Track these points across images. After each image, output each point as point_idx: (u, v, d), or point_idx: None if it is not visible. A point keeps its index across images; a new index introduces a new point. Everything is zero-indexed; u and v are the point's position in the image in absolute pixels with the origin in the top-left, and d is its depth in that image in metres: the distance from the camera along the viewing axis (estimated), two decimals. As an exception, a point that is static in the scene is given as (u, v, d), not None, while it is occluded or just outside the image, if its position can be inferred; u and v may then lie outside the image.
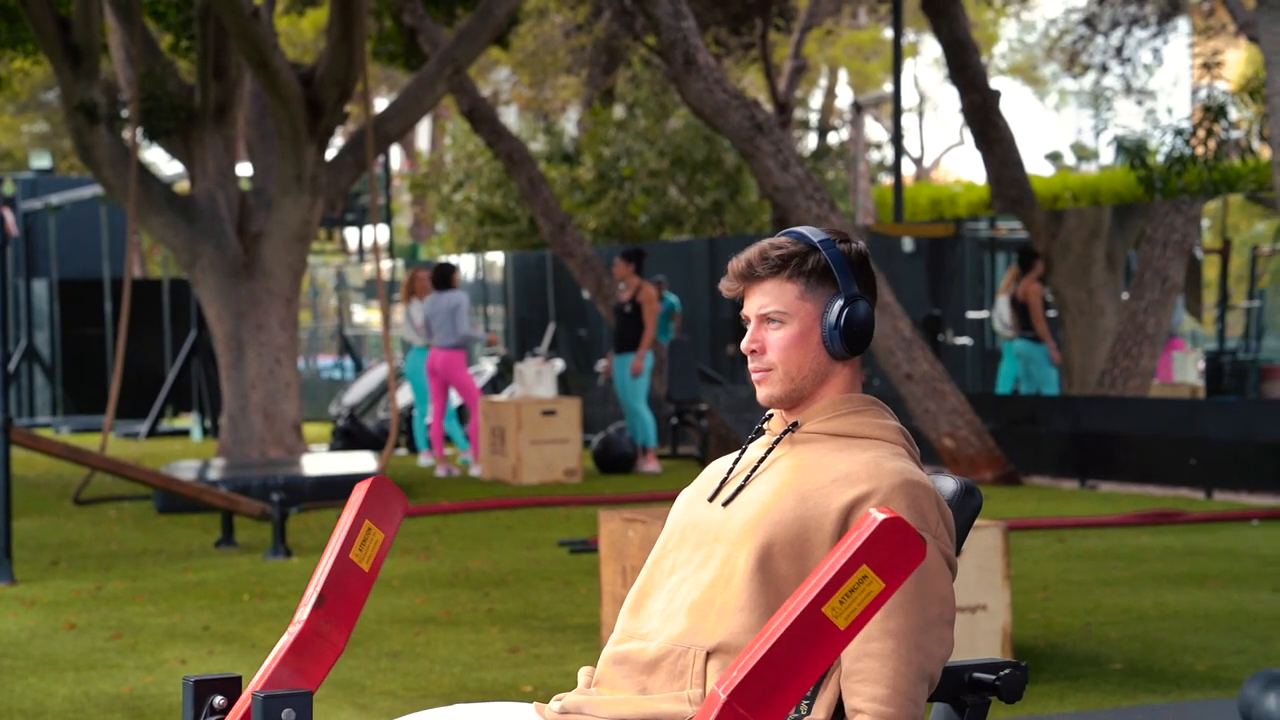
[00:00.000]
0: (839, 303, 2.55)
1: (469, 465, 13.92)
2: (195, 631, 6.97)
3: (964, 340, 14.04)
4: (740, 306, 2.65)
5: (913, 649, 2.40)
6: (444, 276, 13.58)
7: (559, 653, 6.43)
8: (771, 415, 2.67)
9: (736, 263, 2.61)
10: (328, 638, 2.59)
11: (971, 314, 14.03)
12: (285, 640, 2.58)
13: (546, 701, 2.67)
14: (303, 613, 2.58)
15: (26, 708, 5.65)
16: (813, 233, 2.60)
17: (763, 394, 2.61)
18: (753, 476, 2.58)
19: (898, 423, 2.63)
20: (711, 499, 2.61)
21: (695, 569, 2.55)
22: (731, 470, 2.64)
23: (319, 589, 2.58)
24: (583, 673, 2.66)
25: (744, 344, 2.61)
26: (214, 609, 7.51)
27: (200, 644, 6.70)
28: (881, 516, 2.08)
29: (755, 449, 2.65)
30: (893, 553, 2.09)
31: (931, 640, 2.42)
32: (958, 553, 2.55)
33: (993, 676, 2.56)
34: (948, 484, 2.66)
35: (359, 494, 2.63)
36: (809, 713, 2.45)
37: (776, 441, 2.61)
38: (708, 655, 2.46)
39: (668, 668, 2.49)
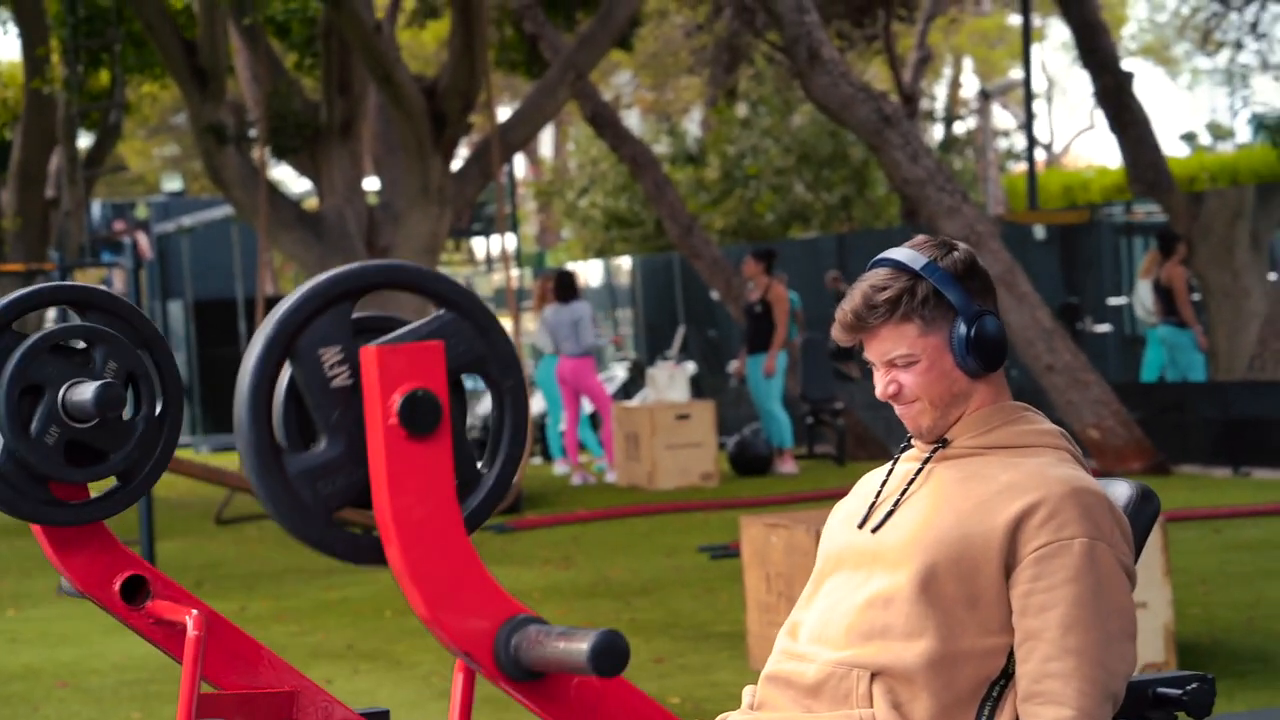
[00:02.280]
0: (962, 326, 2.43)
1: (604, 471, 13.87)
2: (339, 650, 6.96)
3: (1104, 328, 13.74)
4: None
5: (1095, 666, 2.29)
6: (567, 286, 13.55)
7: (704, 662, 6.32)
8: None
9: (843, 315, 2.48)
10: None
11: (1111, 300, 13.73)
12: None
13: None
14: None
15: (175, 733, 5.64)
16: (911, 259, 2.45)
17: (914, 430, 2.50)
18: (903, 499, 2.48)
19: (1056, 426, 2.50)
20: (862, 525, 2.51)
21: (852, 591, 2.46)
22: (880, 492, 2.53)
23: None
24: (746, 692, 2.57)
25: (879, 392, 2.50)
26: (357, 626, 7.49)
27: (345, 662, 6.68)
28: None
29: (905, 464, 2.54)
30: None
31: (1114, 657, 2.31)
32: (1135, 561, 2.42)
33: (1179, 691, 2.45)
34: (1122, 490, 2.54)
35: None
36: (986, 739, 2.34)
37: (927, 459, 2.50)
38: (872, 677, 2.37)
39: (830, 691, 2.41)
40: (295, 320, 2.00)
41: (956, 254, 2.47)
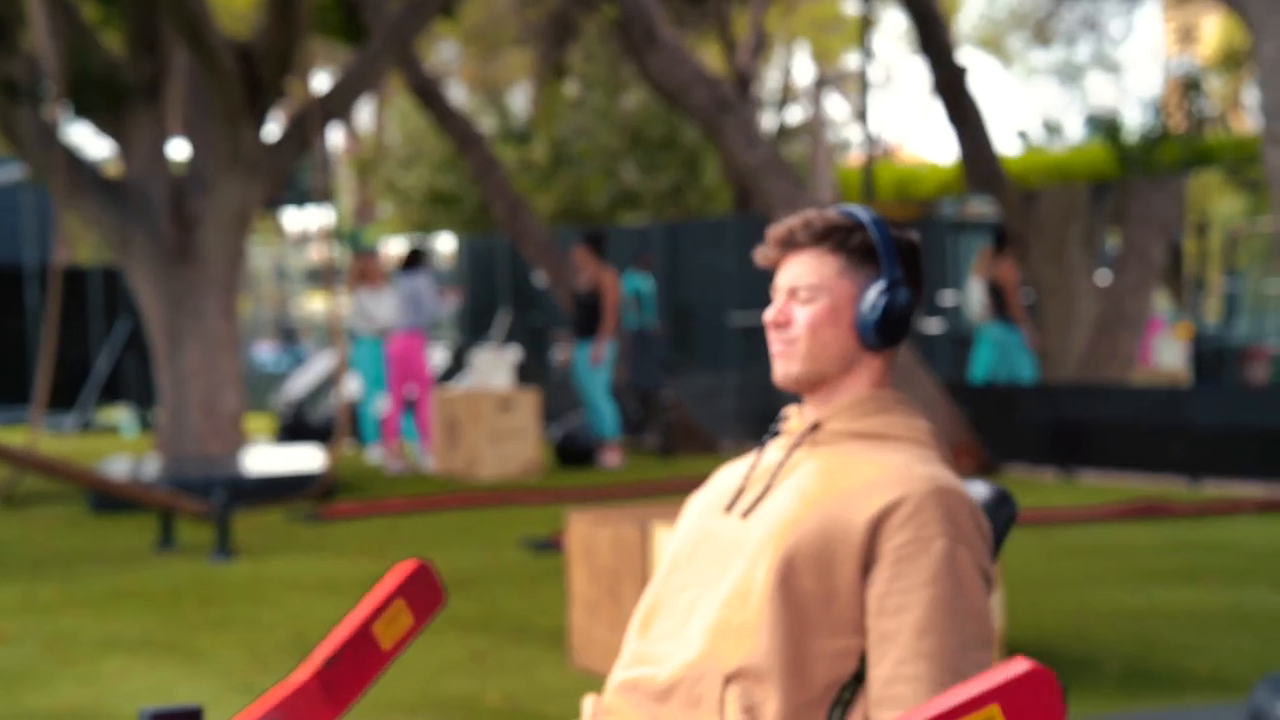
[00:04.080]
0: (879, 286, 2.39)
1: (419, 458, 13.49)
2: (135, 641, 6.71)
3: (935, 325, 13.69)
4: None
5: (948, 672, 2.23)
6: (414, 257, 13.54)
7: (525, 659, 6.22)
8: (788, 415, 2.50)
9: (777, 229, 2.45)
10: (319, 708, 2.42)
11: (942, 297, 13.69)
12: (282, 688, 2.40)
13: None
14: (304, 670, 2.42)
15: (-49, 727, 5.30)
16: (864, 212, 2.46)
17: (780, 370, 2.43)
18: (773, 483, 2.41)
19: (926, 423, 2.46)
20: (729, 509, 2.43)
21: (710, 585, 2.38)
22: (749, 476, 2.45)
23: (333, 650, 2.44)
24: (588, 702, 2.45)
25: (768, 315, 2.43)
26: (154, 616, 7.25)
27: (141, 655, 6.44)
28: (1029, 666, 1.93)
29: (773, 451, 2.46)
30: (1032, 707, 1.93)
31: (968, 663, 2.25)
32: (993, 565, 2.38)
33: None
34: (980, 490, 2.49)
35: (400, 573, 2.55)
36: (836, 745, 2.28)
37: (797, 444, 2.43)
38: (726, 680, 2.29)
39: (682, 695, 2.32)
40: None
41: (906, 234, 2.47)
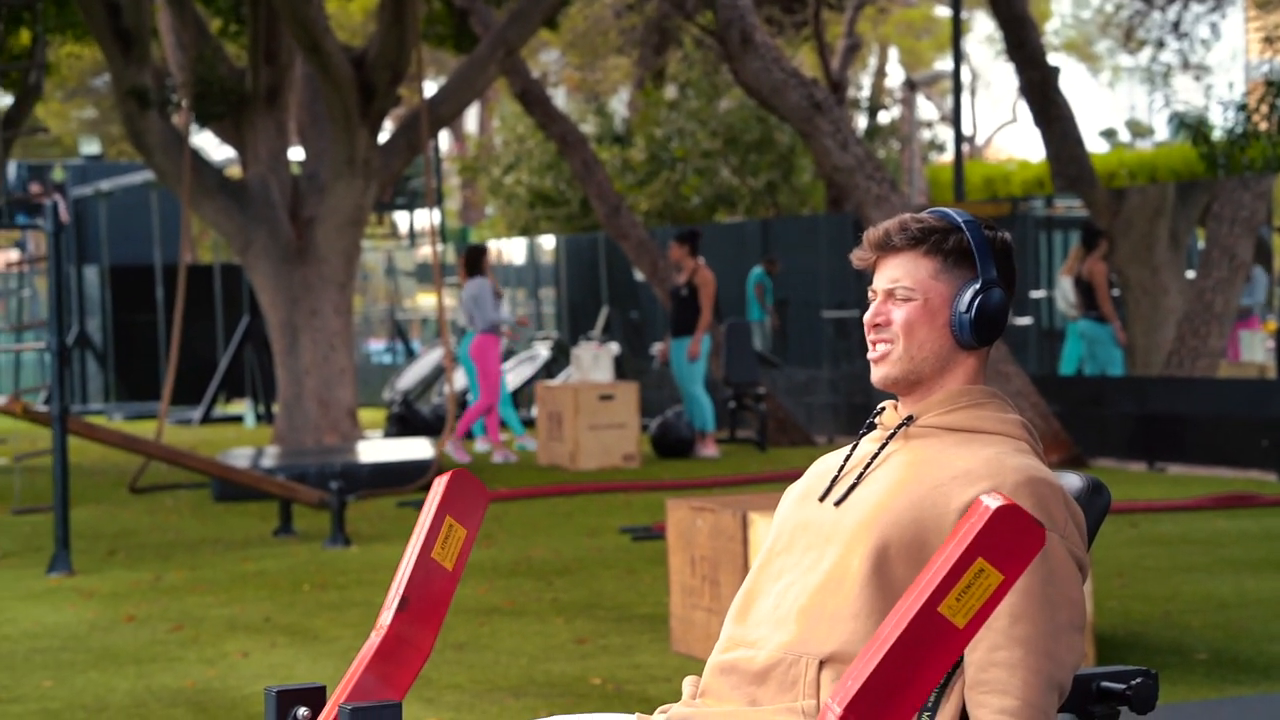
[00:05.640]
0: (974, 287, 2.42)
1: (517, 449, 13.75)
2: (256, 623, 6.89)
3: (1024, 320, 13.83)
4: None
5: (1042, 657, 2.25)
6: (472, 261, 13.42)
7: (626, 643, 6.30)
8: (884, 409, 2.52)
9: (874, 231, 2.47)
10: (412, 642, 2.45)
11: (1032, 293, 13.82)
12: (369, 646, 2.43)
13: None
14: (386, 616, 2.44)
15: (87, 703, 5.56)
16: (958, 213, 2.47)
17: (878, 374, 2.47)
18: (866, 474, 2.44)
19: (1020, 416, 2.47)
20: (823, 498, 2.47)
21: (805, 572, 2.41)
22: (843, 467, 2.49)
23: (401, 591, 2.44)
24: (687, 682, 2.51)
25: (867, 317, 2.47)
26: (274, 599, 7.42)
27: (262, 636, 6.61)
28: (994, 504, 1.92)
29: (867, 444, 2.50)
30: (1010, 542, 1.93)
31: (1062, 647, 2.27)
32: (1087, 553, 2.39)
33: (1123, 686, 2.41)
34: (1073, 481, 2.50)
35: (438, 489, 2.49)
36: (931, 725, 2.31)
37: (891, 436, 2.47)
38: (821, 664, 2.33)
39: (778, 677, 2.36)
40: None
41: (1000, 234, 2.49)
